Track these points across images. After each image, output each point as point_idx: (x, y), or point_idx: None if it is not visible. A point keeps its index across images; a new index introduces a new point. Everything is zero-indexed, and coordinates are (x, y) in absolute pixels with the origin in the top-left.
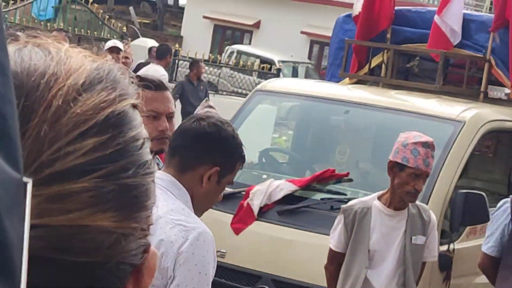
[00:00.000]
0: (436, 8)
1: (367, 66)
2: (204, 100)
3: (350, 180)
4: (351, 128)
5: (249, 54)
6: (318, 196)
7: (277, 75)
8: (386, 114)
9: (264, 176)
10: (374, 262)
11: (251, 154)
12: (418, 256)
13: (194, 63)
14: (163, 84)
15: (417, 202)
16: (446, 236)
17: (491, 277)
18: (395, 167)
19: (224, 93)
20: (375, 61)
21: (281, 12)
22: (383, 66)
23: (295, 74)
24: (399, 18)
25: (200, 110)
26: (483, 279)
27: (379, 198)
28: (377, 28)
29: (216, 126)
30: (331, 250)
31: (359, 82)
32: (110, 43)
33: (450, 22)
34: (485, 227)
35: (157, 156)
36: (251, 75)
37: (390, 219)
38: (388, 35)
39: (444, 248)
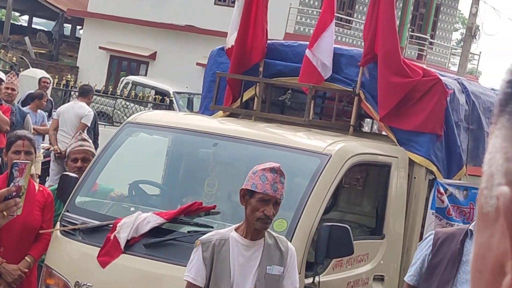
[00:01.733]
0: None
1: (240, 99)
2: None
3: (218, 212)
4: (220, 161)
5: (144, 85)
6: (185, 229)
7: (170, 107)
8: (254, 147)
9: (132, 209)
10: None
11: (121, 186)
12: (274, 287)
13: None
14: None
15: (275, 234)
16: (311, 268)
17: None
18: (246, 195)
19: (118, 124)
20: (247, 94)
21: (177, 44)
22: (256, 99)
23: (190, 105)
24: (272, 52)
25: (73, 143)
26: None
27: (236, 229)
28: (250, 62)
29: None
30: (189, 284)
31: (233, 115)
32: None
33: (321, 56)
34: (350, 260)
35: None
36: (146, 106)
37: (246, 250)
38: (261, 69)
39: (309, 280)
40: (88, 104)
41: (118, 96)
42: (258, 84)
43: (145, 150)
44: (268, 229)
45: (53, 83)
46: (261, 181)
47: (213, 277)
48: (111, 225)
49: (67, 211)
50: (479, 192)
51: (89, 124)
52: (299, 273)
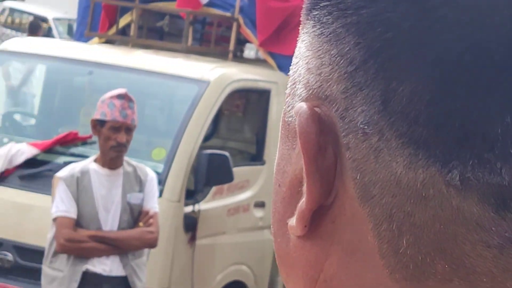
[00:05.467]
0: None
1: (116, 26)
2: None
3: (94, 142)
4: (96, 89)
5: (22, 12)
6: (61, 159)
7: (49, 34)
8: (131, 74)
9: (6, 140)
10: (100, 224)
11: None
12: (136, 214)
13: None
14: None
15: (134, 162)
16: (191, 197)
17: None
18: (97, 125)
19: None
20: (124, 20)
21: None
22: (132, 25)
23: (70, 31)
24: None
25: None
26: (227, 239)
27: (95, 160)
28: None
29: None
30: (61, 219)
31: (110, 42)
32: None
33: None
34: (231, 187)
35: None
36: (25, 33)
37: (107, 179)
38: None
39: (189, 209)
40: None
41: None
42: (134, 9)
43: (18, 79)
44: (127, 158)
45: None
46: (109, 108)
47: (78, 211)
48: None
49: None
50: (285, 98)
51: None
52: (178, 202)
